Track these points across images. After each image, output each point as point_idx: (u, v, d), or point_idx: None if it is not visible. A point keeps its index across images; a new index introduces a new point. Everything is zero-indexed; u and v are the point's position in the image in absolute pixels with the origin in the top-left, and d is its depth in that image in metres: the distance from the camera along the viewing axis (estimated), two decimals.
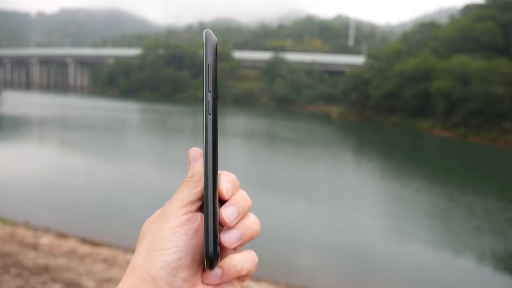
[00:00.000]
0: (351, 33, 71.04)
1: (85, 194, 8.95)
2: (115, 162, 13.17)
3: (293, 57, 50.48)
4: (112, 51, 65.69)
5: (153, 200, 8.32)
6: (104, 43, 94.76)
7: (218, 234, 0.41)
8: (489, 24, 28.53)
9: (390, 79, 31.16)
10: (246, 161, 14.53)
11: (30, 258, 4.73)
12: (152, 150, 15.89)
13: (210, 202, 0.40)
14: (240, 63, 51.61)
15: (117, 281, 4.29)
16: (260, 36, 71.24)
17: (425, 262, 6.38)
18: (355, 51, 56.34)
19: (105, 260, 5.04)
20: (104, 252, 5.43)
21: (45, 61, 73.25)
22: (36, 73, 73.49)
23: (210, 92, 0.41)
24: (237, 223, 0.43)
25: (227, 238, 0.42)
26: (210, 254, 0.40)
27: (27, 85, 72.63)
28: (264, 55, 51.33)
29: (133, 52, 57.74)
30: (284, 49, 55.00)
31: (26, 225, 6.48)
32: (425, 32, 36.14)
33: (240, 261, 0.43)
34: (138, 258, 0.41)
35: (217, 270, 0.42)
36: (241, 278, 0.44)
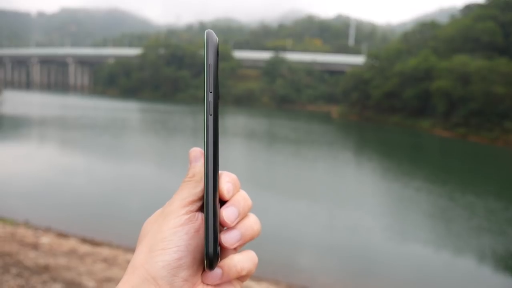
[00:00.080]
0: (352, 33, 71.03)
1: (85, 194, 8.96)
2: (115, 161, 13.18)
3: (293, 57, 50.47)
4: (113, 51, 65.70)
5: (153, 199, 8.32)
6: (104, 43, 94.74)
7: (219, 235, 0.41)
8: (489, 24, 28.52)
9: (391, 78, 31.15)
10: (247, 161, 14.53)
11: (31, 257, 4.73)
12: (152, 149, 15.90)
13: (210, 202, 0.40)
14: (241, 63, 51.61)
15: (117, 280, 4.29)
16: (261, 36, 71.22)
17: (426, 262, 6.38)
18: (355, 51, 56.33)
19: (105, 260, 5.05)
20: (104, 251, 5.43)
21: (46, 61, 73.24)
22: (36, 73, 73.50)
23: (211, 92, 0.41)
24: (237, 223, 0.43)
25: (227, 239, 0.42)
26: (210, 254, 0.40)
27: (28, 85, 72.64)
28: (265, 55, 51.32)
29: (133, 51, 57.76)
30: (284, 49, 54.99)
31: (27, 224, 6.48)
32: (425, 32, 36.13)
33: (240, 261, 0.43)
34: (139, 258, 0.41)
35: (217, 271, 0.42)
36: (241, 278, 0.44)
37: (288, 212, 8.45)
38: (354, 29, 72.50)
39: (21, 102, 34.65)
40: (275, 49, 52.53)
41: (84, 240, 5.95)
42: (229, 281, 0.43)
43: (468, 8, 35.95)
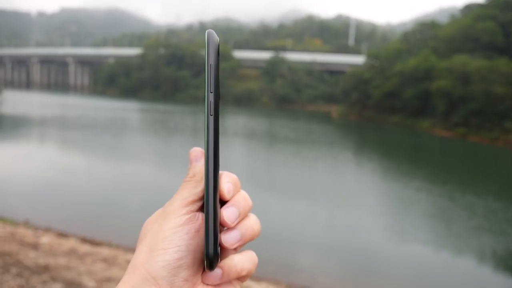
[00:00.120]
0: (352, 33, 71.03)
1: (85, 194, 8.96)
2: (115, 161, 13.18)
3: (293, 56, 50.48)
4: (113, 51, 65.71)
5: (153, 199, 8.32)
6: (104, 43, 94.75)
7: (219, 235, 0.41)
8: (489, 24, 28.51)
9: (391, 78, 31.15)
10: (247, 160, 14.53)
11: (31, 257, 4.73)
12: (152, 149, 15.90)
13: (210, 203, 0.40)
14: (241, 63, 51.62)
15: (117, 280, 4.29)
16: (261, 36, 71.22)
17: (426, 262, 6.38)
18: (355, 51, 56.33)
19: (105, 260, 5.05)
20: (104, 251, 5.43)
21: (46, 61, 73.24)
22: (36, 73, 73.50)
23: (211, 92, 0.41)
24: (237, 223, 0.43)
25: (228, 239, 0.42)
26: (210, 254, 0.40)
27: (28, 85, 72.65)
28: (265, 55, 51.33)
29: (133, 51, 57.76)
30: (284, 49, 54.99)
31: (27, 224, 6.48)
32: (425, 32, 36.12)
33: (240, 261, 0.43)
34: (139, 257, 0.41)
35: (217, 271, 0.42)
36: (241, 278, 0.44)
37: (288, 212, 8.45)
38: (354, 29, 72.51)
39: (21, 102, 34.64)
40: (275, 49, 52.53)
41: (84, 240, 5.95)
42: (229, 281, 0.43)
43: (468, 8, 35.95)
